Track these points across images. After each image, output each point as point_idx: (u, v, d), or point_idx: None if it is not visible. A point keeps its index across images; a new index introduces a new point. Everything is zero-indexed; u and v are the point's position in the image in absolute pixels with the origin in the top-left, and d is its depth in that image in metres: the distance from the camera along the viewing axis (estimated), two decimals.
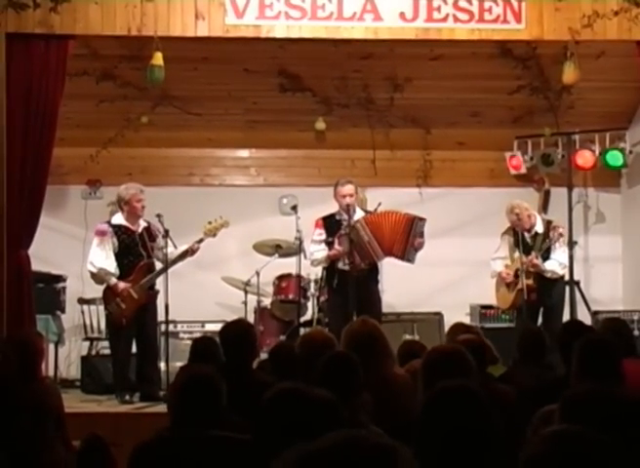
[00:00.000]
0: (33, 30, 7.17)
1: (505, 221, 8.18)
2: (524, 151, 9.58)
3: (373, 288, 7.78)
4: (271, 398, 3.10)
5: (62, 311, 8.79)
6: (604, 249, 9.86)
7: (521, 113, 9.52)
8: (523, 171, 9.61)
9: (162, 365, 7.76)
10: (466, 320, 8.63)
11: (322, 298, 8.36)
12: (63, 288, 8.81)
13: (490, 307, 8.94)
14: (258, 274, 8.67)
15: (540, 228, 8.13)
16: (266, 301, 8.92)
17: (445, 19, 7.40)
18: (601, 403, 2.73)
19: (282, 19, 7.33)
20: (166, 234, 7.50)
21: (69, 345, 9.15)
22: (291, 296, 8.65)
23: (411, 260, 7.71)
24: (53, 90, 7.32)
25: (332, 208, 7.84)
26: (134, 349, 7.73)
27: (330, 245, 7.65)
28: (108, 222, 7.76)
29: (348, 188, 7.69)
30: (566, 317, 8.27)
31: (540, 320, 8.07)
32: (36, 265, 7.80)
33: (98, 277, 7.68)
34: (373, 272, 7.79)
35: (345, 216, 7.65)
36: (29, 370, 5.01)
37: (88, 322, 8.89)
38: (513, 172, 9.63)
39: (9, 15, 7.06)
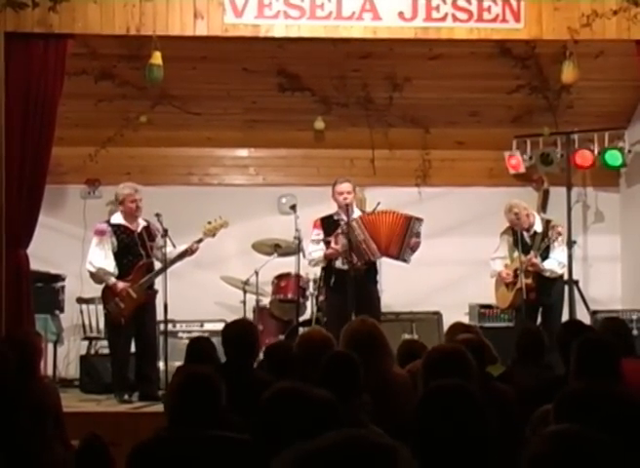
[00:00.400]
0: (32, 29, 7.16)
1: (504, 221, 8.18)
2: (523, 151, 9.58)
3: (371, 287, 7.78)
4: (270, 397, 3.10)
5: (61, 310, 8.79)
6: (603, 248, 9.86)
7: (520, 113, 9.52)
8: (522, 170, 9.61)
9: (161, 364, 7.77)
10: (465, 319, 8.62)
11: (321, 298, 8.36)
12: (62, 287, 8.81)
13: (489, 307, 8.94)
14: (257, 273, 8.66)
15: (538, 228, 8.13)
16: (265, 301, 8.92)
17: (444, 19, 7.40)
18: (593, 401, 2.73)
19: (281, 18, 7.33)
20: (165, 233, 7.50)
21: (68, 345, 9.15)
22: (290, 296, 8.65)
23: (406, 260, 7.71)
24: (52, 89, 7.31)
25: (331, 207, 7.84)
26: (133, 349, 7.74)
27: (328, 244, 7.65)
28: (107, 222, 7.76)
29: (346, 186, 7.70)
30: (565, 316, 8.27)
31: (539, 319, 8.08)
32: (35, 265, 7.80)
33: (96, 277, 7.68)
34: (371, 272, 7.78)
35: (343, 217, 7.65)
36: (28, 369, 5.01)
37: (87, 321, 8.89)
38: (512, 171, 9.63)
39: (8, 14, 7.06)
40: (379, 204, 7.88)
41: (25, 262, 7.44)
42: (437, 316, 8.96)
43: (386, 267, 8.39)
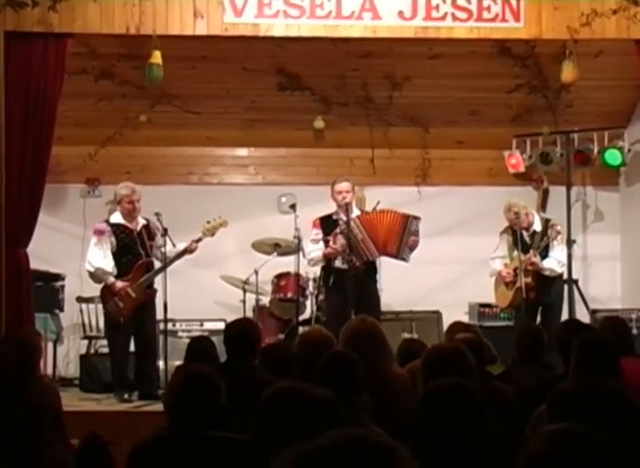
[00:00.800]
0: (32, 29, 7.16)
1: (504, 220, 8.18)
2: (523, 150, 9.58)
3: (371, 287, 7.78)
4: (270, 397, 3.10)
5: (61, 310, 8.80)
6: (602, 247, 9.87)
7: (520, 112, 9.52)
8: (522, 169, 9.60)
9: (161, 363, 7.77)
10: (465, 318, 8.63)
11: (321, 297, 8.35)
12: (62, 286, 8.81)
13: (488, 306, 8.95)
14: (256, 273, 8.66)
15: (538, 227, 8.13)
16: (265, 300, 8.92)
17: (443, 18, 7.40)
18: (585, 400, 2.74)
19: (281, 17, 7.33)
20: (165, 233, 7.50)
21: (68, 344, 9.15)
22: (289, 295, 8.65)
23: (405, 259, 7.71)
24: (51, 88, 7.31)
25: (331, 206, 7.84)
26: (132, 348, 7.74)
27: (327, 243, 7.65)
28: (107, 221, 7.76)
29: (345, 185, 7.70)
30: (565, 316, 8.28)
31: (538, 318, 8.08)
32: (35, 264, 7.80)
33: (95, 276, 7.69)
34: (371, 271, 7.78)
35: (342, 216, 7.66)
36: (28, 368, 5.01)
37: (86, 320, 8.89)
38: (512, 170, 9.63)
39: (7, 13, 7.06)
40: (378, 203, 7.88)
41: (25, 261, 7.44)
42: (437, 315, 8.96)
43: (386, 266, 8.39)
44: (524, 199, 8.44)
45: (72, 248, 8.99)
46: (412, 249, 7.65)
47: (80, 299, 8.87)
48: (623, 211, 9.95)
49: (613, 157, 9.40)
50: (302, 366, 4.59)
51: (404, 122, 9.51)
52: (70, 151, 9.13)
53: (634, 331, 8.17)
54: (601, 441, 2.00)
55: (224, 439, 3.32)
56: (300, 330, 7.83)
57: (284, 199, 9.62)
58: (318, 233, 7.75)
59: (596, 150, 9.37)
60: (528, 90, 9.27)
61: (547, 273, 8.02)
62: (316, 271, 8.29)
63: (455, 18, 7.40)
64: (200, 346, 5.56)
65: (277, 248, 8.75)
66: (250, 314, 8.76)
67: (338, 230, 7.60)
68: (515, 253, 8.05)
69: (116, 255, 7.64)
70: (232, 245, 9.33)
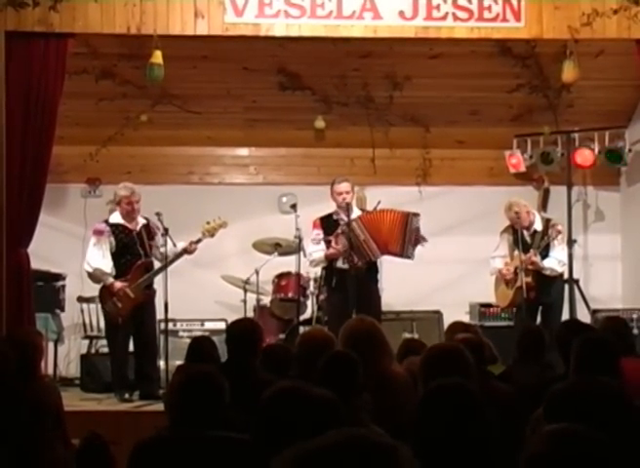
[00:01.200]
0: (33, 29, 7.16)
1: (505, 220, 8.18)
2: (523, 150, 9.58)
3: (372, 286, 7.78)
4: (271, 397, 3.10)
5: (62, 309, 8.80)
6: (603, 247, 9.86)
7: (520, 112, 9.52)
8: (522, 169, 9.61)
9: (161, 363, 7.77)
10: (466, 318, 8.64)
11: (321, 297, 8.35)
12: (63, 286, 8.81)
13: (489, 306, 8.95)
14: (257, 272, 8.67)
15: (538, 226, 8.13)
16: (266, 300, 8.92)
17: (444, 18, 7.40)
18: (581, 400, 2.74)
19: (281, 17, 7.33)
20: (165, 233, 7.50)
21: (69, 344, 9.15)
22: (290, 295, 8.65)
23: (410, 257, 7.71)
24: (52, 88, 7.31)
25: (331, 206, 7.84)
26: (132, 348, 7.75)
27: (329, 243, 7.65)
28: (106, 221, 7.76)
29: (344, 186, 7.70)
30: (565, 316, 8.28)
31: (538, 318, 8.07)
32: (36, 264, 7.80)
33: (94, 277, 7.70)
34: (372, 271, 7.78)
35: (342, 216, 7.66)
36: (29, 368, 5.01)
37: (87, 320, 8.89)
38: (513, 170, 9.63)
39: (8, 13, 7.06)
40: (379, 203, 7.88)
41: (26, 261, 7.44)
42: (438, 315, 8.96)
43: (387, 266, 8.39)
44: (525, 199, 8.43)
45: (73, 247, 8.99)
46: (415, 246, 7.66)
47: (81, 299, 8.87)
48: (624, 210, 9.95)
49: (614, 157, 9.41)
50: (303, 366, 4.59)
51: (405, 122, 9.51)
52: (71, 151, 9.14)
53: (635, 331, 8.17)
54: (600, 441, 2.00)
55: (225, 439, 3.32)
56: (301, 329, 7.83)
57: (285, 199, 9.62)
58: (319, 233, 7.75)
59: (597, 150, 9.38)
60: (529, 90, 9.27)
61: (548, 273, 8.02)
62: (317, 271, 8.29)
63: (455, 17, 7.40)
64: (201, 346, 5.56)
65: (278, 247, 8.75)
66: (250, 314, 8.76)
67: (339, 231, 7.60)
68: (516, 252, 8.05)
69: (115, 256, 7.64)
70: (233, 245, 9.33)
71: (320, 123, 9.41)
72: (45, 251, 8.40)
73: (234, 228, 8.39)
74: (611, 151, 9.36)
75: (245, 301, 8.80)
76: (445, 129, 9.62)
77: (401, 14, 7.37)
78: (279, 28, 7.40)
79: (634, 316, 8.73)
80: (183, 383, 3.49)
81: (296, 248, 8.11)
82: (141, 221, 7.76)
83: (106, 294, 7.59)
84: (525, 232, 8.09)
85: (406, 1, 7.36)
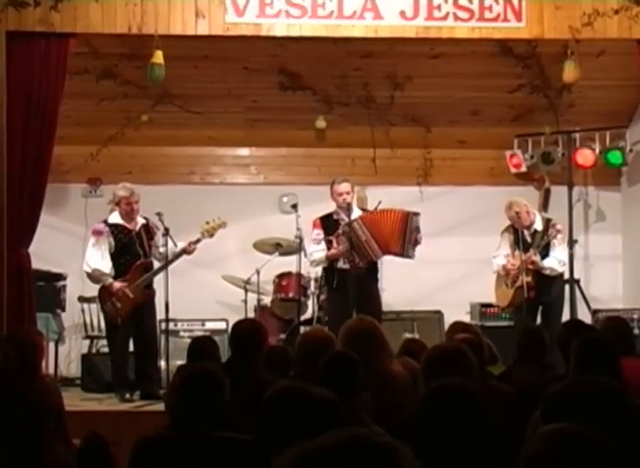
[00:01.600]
0: (34, 28, 7.16)
1: (506, 220, 8.17)
2: (524, 150, 9.58)
3: (372, 286, 7.78)
4: (272, 397, 3.10)
5: (63, 309, 8.80)
6: (604, 247, 9.86)
7: (521, 112, 9.52)
8: (523, 169, 9.61)
9: (162, 363, 7.77)
10: (467, 318, 8.64)
11: (322, 297, 8.36)
12: (64, 286, 8.81)
13: (490, 306, 8.94)
14: (258, 272, 8.67)
15: (539, 226, 8.13)
16: (266, 300, 8.92)
17: (445, 18, 7.40)
18: (579, 400, 2.73)
19: (282, 17, 7.33)
20: (166, 232, 7.50)
21: (69, 343, 9.15)
22: (291, 295, 8.65)
23: (410, 256, 7.71)
24: (53, 88, 7.31)
25: (332, 206, 7.84)
26: (132, 348, 7.75)
27: (329, 243, 7.65)
28: (105, 222, 7.76)
29: (345, 186, 7.70)
30: (566, 316, 8.27)
31: (538, 318, 8.07)
32: (36, 263, 7.80)
33: (93, 277, 7.70)
34: (372, 271, 7.78)
35: (342, 216, 7.66)
36: (30, 368, 5.01)
37: (88, 320, 8.90)
38: (513, 170, 9.63)
39: (9, 13, 7.06)
40: (380, 203, 7.88)
41: (27, 261, 7.45)
42: (438, 315, 8.96)
43: (388, 266, 8.39)
44: (526, 199, 8.43)
45: (74, 247, 8.99)
46: (415, 245, 7.66)
47: (82, 299, 8.87)
48: (625, 210, 9.95)
49: (615, 157, 9.41)
50: (303, 366, 4.60)
51: (405, 122, 9.51)
52: (72, 151, 9.14)
53: (636, 331, 8.16)
54: (600, 440, 2.00)
55: (227, 439, 3.32)
56: (302, 329, 7.83)
57: (285, 199, 9.62)
58: (319, 233, 7.75)
59: (598, 150, 9.38)
60: (529, 89, 9.27)
61: (548, 272, 8.02)
62: (318, 271, 8.30)
63: (456, 17, 7.40)
64: (202, 346, 5.56)
65: (279, 247, 8.76)
66: (251, 314, 8.77)
67: (340, 231, 7.60)
68: (517, 252, 8.05)
69: (115, 256, 7.64)
70: (234, 245, 9.33)
71: (321, 123, 9.41)
72: (46, 250, 8.40)
73: (235, 228, 8.39)
74: (610, 150, 9.35)
75: (246, 301, 8.80)
76: (446, 129, 9.62)
77: (402, 14, 7.37)
78: (280, 28, 7.40)
79: (635, 316, 8.73)
80: (184, 381, 3.49)
81: (296, 248, 8.12)
82: (141, 221, 7.76)
83: (106, 295, 7.60)
84: (525, 232, 8.09)
85: (407, 1, 7.36)
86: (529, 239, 8.07)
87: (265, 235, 8.94)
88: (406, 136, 9.58)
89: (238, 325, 5.39)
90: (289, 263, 8.49)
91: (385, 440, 1.73)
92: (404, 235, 7.62)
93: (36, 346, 5.30)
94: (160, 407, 6.13)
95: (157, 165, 9.70)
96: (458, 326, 5.67)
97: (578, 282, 9.07)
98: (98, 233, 7.67)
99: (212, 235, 7.71)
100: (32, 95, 7.26)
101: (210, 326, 8.59)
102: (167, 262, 7.55)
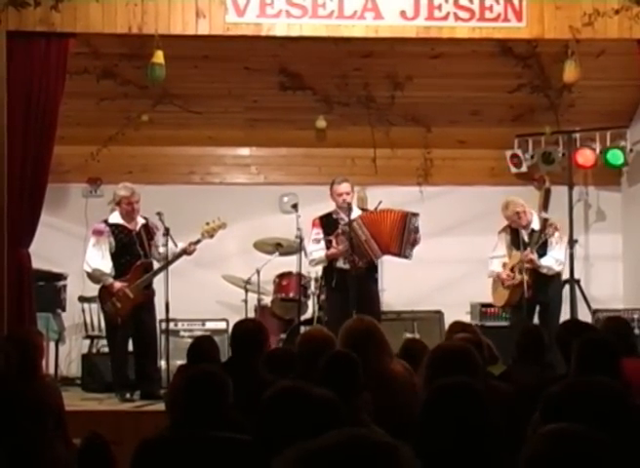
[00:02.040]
0: (34, 28, 7.16)
1: (505, 220, 8.18)
2: (524, 149, 9.58)
3: (372, 286, 7.79)
4: (271, 397, 3.10)
5: (63, 309, 8.79)
6: (604, 247, 9.86)
7: (522, 111, 9.52)
8: (524, 169, 9.61)
9: (162, 363, 7.77)
10: (467, 318, 8.64)
11: (322, 297, 8.36)
12: (64, 286, 8.81)
13: (490, 306, 8.92)
14: (258, 272, 8.67)
15: (536, 225, 8.13)
16: (267, 300, 8.92)
17: (446, 18, 7.40)
18: (577, 401, 2.73)
19: (283, 17, 7.33)
20: (167, 232, 7.51)
21: (70, 343, 9.15)
22: (291, 295, 8.65)
23: (408, 257, 7.72)
24: (53, 88, 7.31)
25: (332, 206, 7.85)
26: (131, 348, 7.75)
27: (330, 243, 7.65)
28: (105, 221, 7.76)
29: (345, 186, 7.71)
30: (566, 316, 8.27)
31: (535, 318, 8.06)
32: (37, 263, 7.80)
33: (93, 277, 7.71)
34: (371, 270, 7.79)
35: (342, 215, 7.66)
36: (30, 368, 5.01)
37: (88, 320, 8.90)
38: (514, 170, 9.64)
39: (9, 12, 7.06)
40: (380, 203, 7.89)
41: (27, 261, 7.45)
42: (439, 315, 8.96)
43: (388, 266, 8.39)
44: (526, 199, 8.43)
45: (74, 247, 8.99)
46: (414, 246, 7.67)
47: (82, 299, 8.87)
48: (625, 210, 9.95)
49: (615, 157, 9.41)
50: (303, 365, 4.59)
51: (406, 122, 9.51)
52: (72, 151, 9.14)
53: (636, 331, 8.15)
54: (599, 440, 2.00)
55: (228, 439, 3.32)
56: (302, 329, 7.83)
57: (286, 199, 9.62)
58: (319, 233, 7.75)
59: (598, 150, 9.38)
60: (530, 89, 9.26)
61: (545, 271, 8.01)
62: (318, 271, 8.29)
63: (457, 17, 7.40)
64: (202, 347, 5.56)
65: (279, 247, 8.76)
66: (252, 314, 8.77)
67: (340, 230, 7.60)
68: (514, 251, 8.06)
69: (115, 256, 7.64)
70: (234, 244, 9.33)
71: (321, 123, 9.41)
72: (46, 250, 8.40)
73: (235, 228, 8.39)
74: (610, 150, 9.35)
75: (246, 301, 8.80)
76: (446, 129, 9.61)
77: (402, 14, 7.37)
78: (280, 28, 7.40)
79: (635, 316, 8.72)
80: (187, 383, 3.49)
81: (297, 247, 8.12)
82: (141, 221, 7.76)
83: (106, 295, 7.60)
84: (523, 231, 8.09)
85: (407, 1, 7.36)
86: (526, 238, 8.06)
87: (266, 235, 8.94)
88: (406, 136, 9.58)
89: (239, 325, 5.39)
90: (289, 263, 8.49)
91: (386, 440, 1.73)
92: (402, 235, 7.63)
93: (36, 346, 5.30)
94: (160, 407, 6.14)
95: (157, 165, 9.70)
96: (457, 325, 5.66)
97: (578, 282, 9.07)
98: (98, 233, 7.68)
99: (212, 236, 7.71)
100: (32, 95, 7.26)
101: (210, 326, 8.58)
102: (167, 263, 7.56)
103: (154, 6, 7.22)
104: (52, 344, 8.51)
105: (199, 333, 8.14)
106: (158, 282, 7.66)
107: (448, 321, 7.77)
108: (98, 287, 7.78)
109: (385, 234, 7.63)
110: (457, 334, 5.03)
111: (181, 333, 8.48)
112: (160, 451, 3.34)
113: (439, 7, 7.37)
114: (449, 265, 9.45)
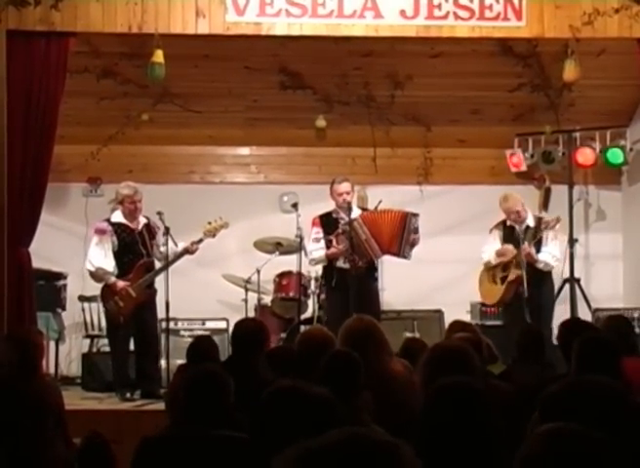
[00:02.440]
0: (34, 27, 7.16)
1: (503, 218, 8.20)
2: (525, 149, 9.57)
3: (371, 285, 7.79)
4: (270, 395, 3.10)
5: (63, 308, 8.80)
6: (605, 246, 9.86)
7: (522, 111, 9.52)
8: (524, 168, 9.60)
9: (163, 362, 7.77)
10: (467, 317, 8.63)
11: (322, 296, 8.36)
12: (64, 285, 8.82)
13: (490, 305, 8.93)
14: (258, 272, 8.67)
15: (530, 222, 8.14)
16: (267, 299, 8.92)
17: (446, 17, 7.40)
18: (575, 400, 2.73)
19: (283, 16, 7.32)
20: (167, 232, 7.51)
21: (70, 343, 9.15)
22: (291, 294, 8.65)
23: (407, 257, 7.72)
24: (53, 87, 7.31)
25: (333, 205, 7.85)
26: (132, 347, 7.75)
27: (330, 242, 7.65)
28: (108, 220, 7.76)
29: (345, 186, 7.71)
30: (566, 315, 8.26)
31: (528, 315, 8.04)
32: (37, 263, 7.80)
33: (96, 276, 7.70)
34: (371, 270, 7.79)
35: (342, 215, 7.66)
36: (30, 367, 5.01)
37: (88, 319, 8.90)
38: (514, 169, 9.63)
39: (9, 12, 7.06)
40: (380, 202, 7.89)
41: (27, 260, 7.44)
42: (439, 314, 8.96)
43: (388, 266, 8.39)
44: (526, 198, 8.44)
45: (74, 246, 9.00)
46: (413, 246, 7.68)
47: (82, 298, 8.87)
48: (625, 209, 9.95)
49: (615, 156, 9.41)
50: (303, 365, 4.59)
51: (406, 121, 9.51)
52: (72, 150, 9.13)
53: (637, 330, 8.15)
54: (598, 440, 1.99)
55: (228, 437, 3.32)
56: (302, 329, 7.83)
57: (286, 198, 9.62)
58: (319, 232, 7.75)
59: (598, 149, 9.38)
60: (530, 89, 9.26)
61: (541, 266, 8.01)
62: (318, 270, 8.29)
63: (457, 16, 7.39)
64: (201, 346, 5.56)
65: (279, 247, 8.76)
66: (252, 313, 8.77)
67: (340, 230, 7.60)
68: (509, 246, 8.07)
69: (117, 255, 7.65)
70: (234, 244, 9.33)
71: (321, 122, 9.41)
72: (46, 250, 8.39)
73: (235, 227, 8.39)
74: (610, 149, 9.35)
75: (246, 300, 8.80)
76: (446, 128, 9.61)
77: (402, 13, 7.36)
78: (280, 27, 7.39)
79: (635, 315, 8.71)
80: (190, 382, 3.49)
81: (297, 247, 8.12)
82: (142, 221, 7.77)
83: (108, 293, 7.60)
84: (517, 227, 8.09)
85: (407, 0, 7.36)
86: (521, 234, 8.06)
87: (266, 234, 8.94)
88: (406, 136, 9.58)
89: (240, 324, 5.39)
90: (289, 262, 8.49)
91: (387, 439, 1.73)
92: (402, 235, 7.63)
93: (36, 345, 5.30)
94: (160, 406, 6.13)
95: (157, 164, 9.70)
96: (457, 325, 5.66)
97: (578, 281, 9.07)
98: (101, 232, 7.68)
99: (214, 235, 7.72)
100: (32, 94, 7.26)
101: (210, 325, 8.58)
102: (169, 262, 7.56)
103: (154, 5, 7.22)
104: (52, 343, 8.51)
105: (199, 333, 8.15)
106: (159, 281, 7.67)
107: (448, 320, 7.76)
108: (98, 286, 7.79)
109: (386, 234, 7.63)
110: (456, 334, 5.03)
111: (182, 333, 8.48)
112: (161, 450, 3.34)
113: (439, 6, 7.37)
114: (449, 264, 9.44)
